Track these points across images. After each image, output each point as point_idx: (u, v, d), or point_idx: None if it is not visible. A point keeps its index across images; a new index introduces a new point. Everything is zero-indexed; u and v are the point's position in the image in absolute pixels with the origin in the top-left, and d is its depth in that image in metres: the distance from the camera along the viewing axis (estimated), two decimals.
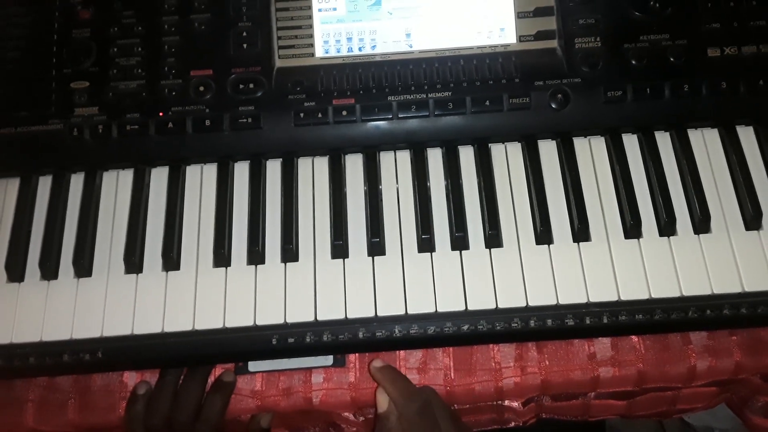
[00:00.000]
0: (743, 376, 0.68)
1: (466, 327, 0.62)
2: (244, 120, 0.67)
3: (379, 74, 0.68)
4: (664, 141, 0.68)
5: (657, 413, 0.73)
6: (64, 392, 0.67)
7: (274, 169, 0.69)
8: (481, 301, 0.62)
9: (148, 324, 0.62)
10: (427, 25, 0.69)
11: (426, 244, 0.64)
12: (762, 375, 0.68)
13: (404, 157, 0.69)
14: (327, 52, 0.69)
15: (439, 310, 0.62)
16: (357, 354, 0.67)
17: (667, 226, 0.64)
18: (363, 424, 0.70)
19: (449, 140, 0.68)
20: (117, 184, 0.69)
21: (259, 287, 0.63)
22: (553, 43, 0.69)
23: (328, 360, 0.67)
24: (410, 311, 0.62)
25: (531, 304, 0.62)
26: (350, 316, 0.62)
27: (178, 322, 0.62)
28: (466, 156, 0.69)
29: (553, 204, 0.66)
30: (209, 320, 0.62)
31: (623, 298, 0.62)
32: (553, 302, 0.62)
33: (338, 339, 0.62)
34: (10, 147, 0.67)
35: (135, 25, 0.69)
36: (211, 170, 0.69)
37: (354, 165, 0.69)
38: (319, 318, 0.62)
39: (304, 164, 0.69)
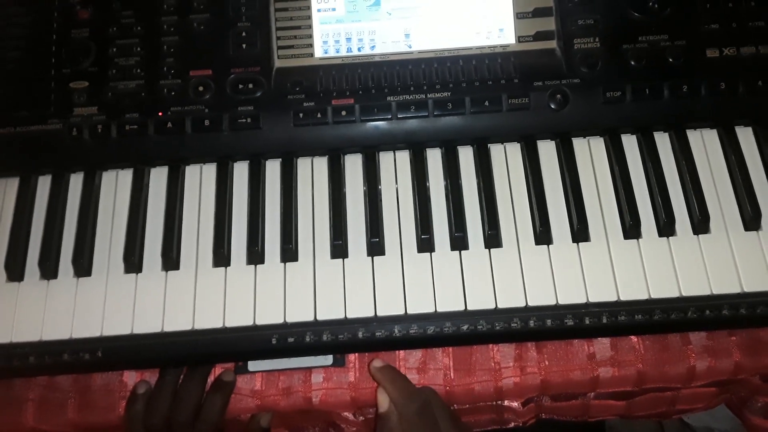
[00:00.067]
0: (742, 377, 0.68)
1: (465, 327, 0.62)
2: (244, 120, 0.67)
3: (378, 74, 0.68)
4: (663, 141, 0.69)
5: (656, 414, 0.73)
6: (64, 391, 0.67)
7: (273, 169, 0.69)
8: (480, 301, 0.62)
9: (147, 323, 0.62)
10: (426, 26, 0.69)
11: (425, 244, 0.64)
12: (761, 375, 0.69)
13: (403, 157, 0.69)
14: (326, 53, 0.69)
15: (439, 310, 0.62)
16: (356, 354, 0.68)
17: (666, 227, 0.64)
18: (363, 424, 0.70)
19: (448, 140, 0.69)
20: (116, 184, 0.69)
21: (259, 287, 0.63)
22: (552, 44, 0.69)
23: (328, 360, 0.67)
24: (410, 311, 0.62)
25: (530, 304, 0.62)
26: (350, 315, 0.62)
27: (178, 322, 0.62)
28: (466, 156, 0.69)
29: (552, 204, 0.66)
30: (209, 320, 0.62)
31: (622, 298, 0.62)
32: (553, 302, 0.62)
33: (338, 339, 0.62)
34: (10, 147, 0.67)
35: (134, 25, 0.69)
36: (210, 170, 0.69)
37: (353, 165, 0.69)
38: (318, 318, 0.62)
39: (303, 164, 0.69)
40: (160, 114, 0.67)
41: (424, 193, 0.67)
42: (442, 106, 0.67)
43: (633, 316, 0.62)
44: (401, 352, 0.68)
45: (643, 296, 0.62)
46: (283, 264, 0.64)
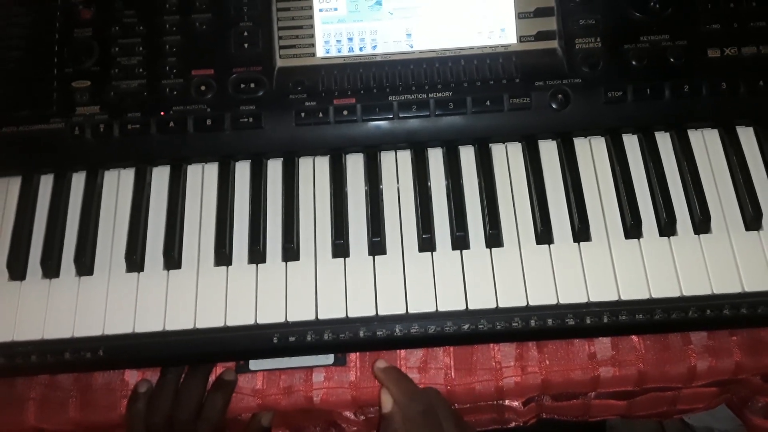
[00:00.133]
0: (743, 377, 0.68)
1: (466, 326, 0.62)
2: (245, 119, 0.67)
3: (379, 74, 0.68)
4: (664, 141, 0.69)
5: (657, 413, 0.73)
6: (66, 390, 0.67)
7: (275, 168, 0.69)
8: (481, 300, 0.62)
9: (149, 322, 0.63)
10: (427, 26, 0.69)
11: (427, 243, 0.65)
12: (762, 375, 0.68)
13: (405, 156, 0.69)
14: (328, 52, 0.69)
15: (440, 309, 0.62)
16: (358, 353, 0.68)
17: (667, 226, 0.64)
18: (363, 423, 0.71)
19: (450, 140, 0.69)
20: (118, 183, 0.69)
21: (260, 286, 0.64)
22: (554, 44, 0.69)
23: (329, 359, 0.67)
24: (411, 310, 0.62)
25: (531, 303, 0.62)
26: (351, 315, 0.62)
27: (180, 321, 0.63)
28: (467, 156, 0.69)
29: (553, 204, 0.66)
30: (210, 319, 0.63)
31: (623, 297, 0.62)
32: (554, 302, 0.62)
33: (339, 338, 0.62)
34: (12, 146, 0.67)
35: (136, 25, 0.70)
36: (212, 169, 0.69)
37: (355, 165, 0.69)
38: (320, 317, 0.62)
39: (305, 164, 0.69)
40: (162, 113, 0.68)
41: (425, 193, 0.67)
42: (443, 106, 0.67)
43: (634, 315, 0.62)
44: (402, 351, 0.68)
45: (644, 296, 0.62)
46: (284, 263, 0.65)
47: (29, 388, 0.67)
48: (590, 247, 0.64)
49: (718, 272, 0.62)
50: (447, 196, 0.67)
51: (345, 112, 0.67)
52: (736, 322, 0.63)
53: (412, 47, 0.69)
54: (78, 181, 0.69)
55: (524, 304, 0.62)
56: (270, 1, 0.70)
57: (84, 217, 0.67)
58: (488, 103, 0.67)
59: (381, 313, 0.62)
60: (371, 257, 0.65)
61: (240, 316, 0.63)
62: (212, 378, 0.67)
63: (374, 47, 0.69)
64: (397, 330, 0.62)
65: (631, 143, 0.68)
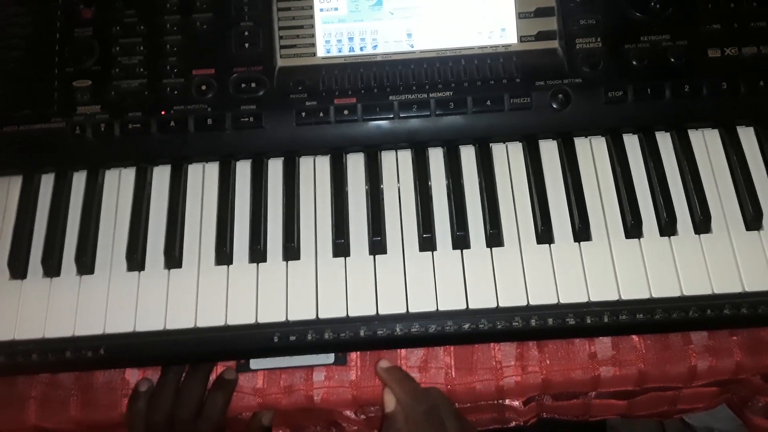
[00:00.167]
0: (744, 377, 0.68)
1: (467, 326, 0.62)
2: (246, 119, 0.67)
3: (380, 74, 0.68)
4: (664, 141, 0.69)
5: (658, 413, 0.73)
6: (66, 389, 0.67)
7: (275, 168, 0.69)
8: (482, 299, 0.62)
9: (150, 321, 0.63)
10: (428, 25, 0.70)
11: (427, 242, 0.65)
12: (762, 375, 0.68)
13: (405, 156, 0.69)
14: (329, 52, 0.69)
15: (441, 308, 0.62)
16: (358, 352, 0.68)
17: (667, 226, 0.64)
18: (364, 423, 0.71)
19: (450, 140, 0.69)
20: (119, 183, 0.69)
21: (261, 285, 0.64)
22: (554, 44, 0.69)
23: (330, 358, 0.67)
24: (411, 310, 0.62)
25: (532, 303, 0.62)
26: (352, 314, 0.62)
27: (180, 320, 0.63)
28: (468, 155, 0.69)
29: (554, 203, 0.66)
30: (211, 318, 0.63)
31: (624, 297, 0.62)
32: (554, 301, 0.62)
33: (339, 337, 0.62)
34: (13, 145, 0.67)
35: (137, 24, 0.70)
36: (213, 169, 0.69)
37: (355, 164, 0.69)
38: (320, 316, 0.62)
39: (305, 163, 0.69)
40: (162, 113, 0.68)
41: (426, 192, 0.67)
42: (444, 106, 0.67)
43: (634, 315, 0.62)
44: (403, 350, 0.68)
45: (645, 295, 0.62)
46: (285, 262, 0.65)
47: (30, 387, 0.67)
48: (591, 246, 0.64)
49: (719, 272, 0.63)
50: (447, 196, 0.67)
51: (346, 112, 0.67)
52: (737, 321, 0.63)
53: (412, 47, 0.69)
54: (79, 181, 0.69)
55: (525, 303, 0.62)
56: (271, 0, 0.70)
57: (85, 217, 0.67)
58: (489, 102, 0.67)
59: (381, 312, 0.62)
60: (372, 256, 0.65)
61: (241, 315, 0.63)
62: (213, 377, 0.67)
63: (375, 47, 0.70)
64: (398, 329, 0.62)
65: (632, 143, 0.69)
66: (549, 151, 0.69)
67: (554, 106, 0.67)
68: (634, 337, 0.67)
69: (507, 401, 0.69)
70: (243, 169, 0.69)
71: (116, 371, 0.67)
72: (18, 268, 0.65)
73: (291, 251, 0.65)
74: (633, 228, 0.64)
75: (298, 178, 0.68)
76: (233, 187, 0.68)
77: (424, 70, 0.68)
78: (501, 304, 0.62)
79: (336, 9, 0.70)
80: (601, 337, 0.67)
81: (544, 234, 0.64)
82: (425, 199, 0.66)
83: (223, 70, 0.68)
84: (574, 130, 0.69)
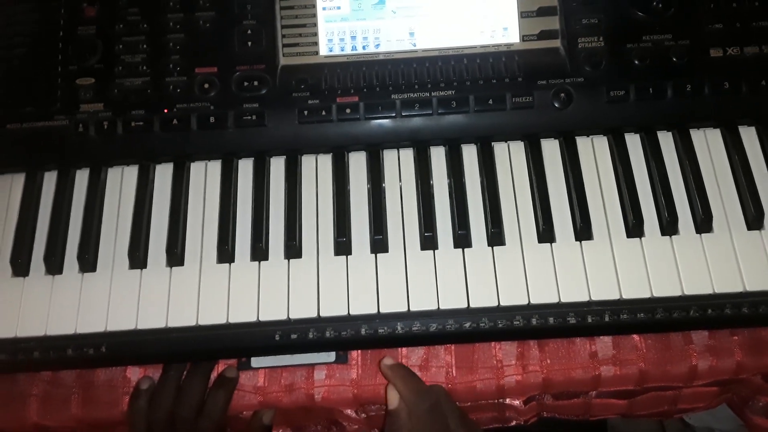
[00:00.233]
0: (744, 376, 0.68)
1: (468, 324, 0.62)
2: (249, 117, 0.68)
3: (382, 73, 0.69)
4: (666, 141, 0.69)
5: (658, 413, 0.73)
6: (68, 387, 0.67)
7: (277, 166, 0.69)
8: (483, 298, 0.62)
9: (151, 319, 0.63)
10: (430, 25, 0.70)
11: (429, 241, 0.65)
12: (763, 375, 0.68)
13: (407, 155, 0.69)
14: (331, 51, 0.70)
15: (442, 307, 0.62)
16: (359, 351, 0.68)
17: (669, 226, 0.64)
18: (365, 421, 0.71)
19: (452, 139, 0.69)
20: (122, 180, 0.69)
21: (263, 283, 0.64)
22: (556, 43, 0.69)
23: (331, 356, 0.67)
24: (412, 308, 0.62)
25: (533, 302, 0.62)
26: (353, 312, 0.62)
27: (182, 318, 0.63)
28: (469, 154, 0.69)
29: (555, 202, 0.66)
30: (213, 316, 0.63)
31: (625, 296, 0.62)
32: (555, 300, 0.62)
33: (341, 335, 0.62)
34: (16, 142, 0.68)
35: (140, 23, 0.70)
36: (215, 167, 0.69)
37: (357, 163, 0.69)
38: (321, 314, 0.62)
39: (307, 162, 0.69)
40: (165, 111, 0.68)
41: (427, 191, 0.67)
42: (446, 105, 0.67)
43: (635, 314, 0.62)
44: (404, 349, 0.68)
45: (646, 295, 0.62)
46: (287, 260, 0.65)
47: (31, 385, 0.67)
48: (592, 245, 0.64)
49: (720, 271, 0.63)
50: (449, 195, 0.67)
51: (348, 111, 0.67)
52: (738, 321, 0.63)
53: (415, 46, 0.70)
54: (81, 178, 0.69)
55: (526, 302, 0.62)
56: None
57: (87, 214, 0.67)
58: (491, 101, 0.67)
59: (383, 310, 0.62)
60: (373, 255, 0.65)
61: (242, 314, 0.63)
62: (214, 375, 0.67)
63: (377, 46, 0.70)
64: (399, 328, 0.62)
65: (634, 142, 0.69)
66: (551, 150, 0.69)
67: (556, 106, 0.67)
68: (634, 336, 0.67)
69: (507, 400, 0.69)
70: (245, 168, 0.69)
71: (117, 369, 0.68)
72: (20, 266, 0.65)
73: (293, 249, 0.65)
74: (634, 227, 0.64)
75: (300, 177, 0.68)
76: (235, 186, 0.68)
77: (426, 69, 0.68)
78: (502, 303, 0.62)
79: (339, 8, 0.70)
80: (601, 337, 0.67)
81: (546, 233, 0.64)
82: (427, 198, 0.67)
83: (225, 69, 0.69)
84: (575, 130, 0.69)
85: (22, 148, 0.68)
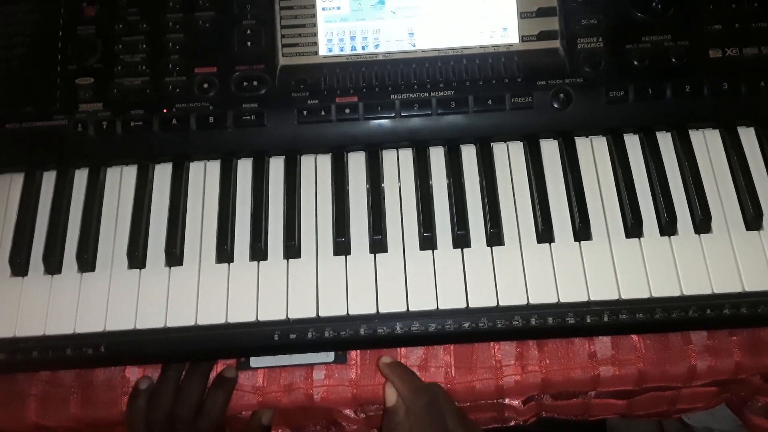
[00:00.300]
0: (743, 376, 0.68)
1: (467, 324, 0.62)
2: (248, 117, 0.68)
3: (382, 73, 0.69)
4: (665, 141, 0.69)
5: (657, 413, 0.73)
6: (67, 387, 0.67)
7: (277, 166, 0.69)
8: (482, 298, 0.62)
9: (150, 319, 0.63)
10: (430, 25, 0.70)
11: (428, 241, 0.65)
12: (762, 375, 0.69)
13: (407, 155, 0.69)
14: (330, 51, 0.70)
15: (441, 307, 0.62)
16: (358, 351, 0.68)
17: (668, 226, 0.64)
18: (364, 422, 0.71)
19: (451, 139, 0.69)
20: (121, 180, 0.69)
21: (262, 283, 0.64)
22: (556, 44, 0.69)
23: (330, 356, 0.67)
24: (411, 308, 0.62)
25: (532, 302, 0.62)
26: (352, 312, 0.62)
27: (181, 317, 0.63)
28: (469, 155, 0.69)
29: (554, 203, 0.66)
30: (212, 315, 0.63)
31: (624, 296, 0.62)
32: (554, 300, 0.62)
33: (340, 335, 0.62)
34: (15, 142, 0.68)
35: (140, 23, 0.70)
36: (214, 167, 0.69)
37: (357, 163, 0.69)
38: (320, 314, 0.62)
39: (307, 162, 0.69)
40: (164, 111, 0.68)
41: (426, 191, 0.67)
42: (445, 105, 0.67)
43: (634, 314, 0.62)
44: (403, 349, 0.68)
45: (645, 295, 0.62)
46: (286, 260, 0.65)
47: (30, 385, 0.67)
48: (591, 245, 0.64)
49: (719, 272, 0.63)
50: (448, 195, 0.67)
51: (347, 111, 0.67)
52: (736, 321, 0.63)
53: (414, 46, 0.70)
54: (80, 178, 0.69)
55: (525, 302, 0.62)
56: None
57: (86, 214, 0.67)
58: (490, 102, 0.67)
59: (382, 310, 0.62)
60: (372, 255, 0.65)
61: (241, 313, 0.63)
62: (213, 375, 0.67)
63: (377, 46, 0.70)
64: (398, 328, 0.62)
65: (633, 143, 0.69)
66: (550, 150, 0.69)
67: (555, 106, 0.68)
68: (633, 336, 0.67)
69: (507, 400, 0.69)
70: (244, 168, 0.69)
71: (116, 369, 0.68)
72: (19, 266, 0.65)
73: (292, 249, 0.65)
74: (633, 227, 0.64)
75: (300, 177, 0.68)
76: (234, 185, 0.68)
77: (425, 69, 0.69)
78: (501, 303, 0.62)
79: (338, 8, 0.70)
80: (600, 337, 0.67)
81: (545, 233, 0.64)
82: (426, 198, 0.67)
83: (225, 69, 0.69)
84: (575, 130, 0.69)
85: (22, 148, 0.68)
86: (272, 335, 0.62)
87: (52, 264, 0.65)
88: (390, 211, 0.67)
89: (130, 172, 0.69)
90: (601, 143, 0.69)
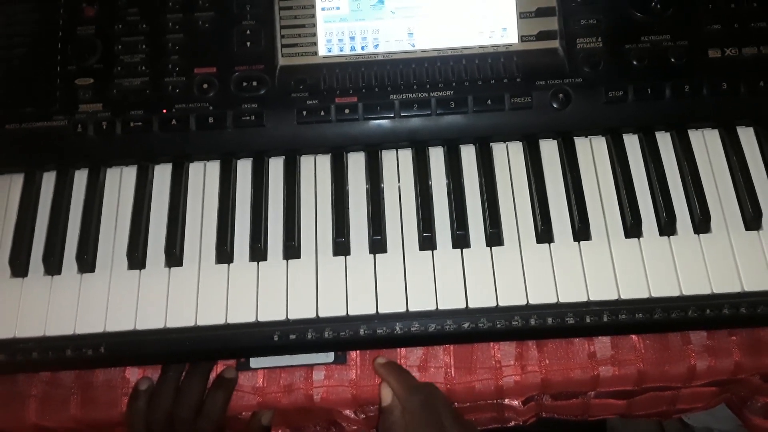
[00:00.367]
0: (743, 376, 0.68)
1: (466, 325, 0.62)
2: (247, 118, 0.68)
3: (381, 73, 0.69)
4: (664, 141, 0.69)
5: (657, 413, 0.73)
6: (67, 388, 0.67)
7: (276, 166, 0.69)
8: (481, 298, 0.62)
9: (150, 319, 0.63)
10: (429, 25, 0.70)
11: (427, 242, 0.65)
12: (761, 375, 0.69)
13: (406, 155, 0.69)
14: (330, 51, 0.70)
15: (440, 307, 0.62)
16: (358, 351, 0.68)
17: (667, 226, 0.64)
18: (364, 422, 0.71)
19: (451, 139, 0.69)
20: (120, 181, 0.69)
21: (262, 284, 0.64)
22: (555, 44, 0.69)
23: (330, 357, 0.67)
24: (411, 309, 0.62)
25: (531, 302, 0.62)
26: (351, 313, 0.62)
27: (181, 318, 0.63)
28: (468, 155, 0.69)
29: (553, 203, 0.66)
30: (211, 316, 0.63)
31: (623, 297, 0.62)
32: (554, 300, 0.62)
33: (339, 336, 0.62)
34: (15, 143, 0.68)
35: (139, 23, 0.70)
36: (214, 167, 0.69)
37: (356, 163, 0.69)
38: (320, 315, 0.62)
39: (306, 162, 0.69)
40: (164, 111, 0.68)
41: (426, 192, 0.67)
42: (444, 105, 0.67)
43: (634, 314, 0.62)
44: (402, 349, 0.68)
45: (644, 295, 0.62)
46: (285, 261, 0.65)
47: (30, 385, 0.67)
48: (590, 246, 0.64)
49: (718, 272, 0.63)
50: (448, 195, 0.67)
51: (347, 111, 0.68)
52: (736, 321, 0.63)
53: (413, 46, 0.70)
54: (80, 179, 0.69)
55: (524, 302, 0.62)
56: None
57: (86, 215, 0.67)
58: (489, 102, 0.68)
59: (381, 311, 0.62)
60: (372, 255, 0.65)
61: (241, 314, 0.63)
62: (213, 376, 0.67)
63: (376, 46, 0.70)
64: (398, 328, 0.62)
65: (632, 143, 0.69)
66: (549, 150, 0.69)
67: (555, 106, 0.68)
68: (633, 336, 0.67)
69: (506, 401, 0.69)
70: (244, 168, 0.69)
71: (116, 370, 0.68)
72: (19, 266, 0.65)
73: (291, 250, 0.65)
74: (632, 227, 0.64)
75: (299, 177, 0.68)
76: (234, 186, 0.68)
77: (425, 69, 0.69)
78: (500, 304, 0.62)
79: (338, 8, 0.70)
80: (600, 337, 0.67)
81: (544, 233, 0.64)
82: (425, 198, 0.67)
83: (224, 69, 0.69)
84: (574, 130, 0.69)
85: (21, 149, 0.68)
86: (272, 336, 0.62)
87: (52, 265, 0.65)
88: (389, 212, 0.67)
89: (130, 173, 0.69)
90: (600, 143, 0.69)
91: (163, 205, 0.67)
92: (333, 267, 0.64)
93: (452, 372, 0.67)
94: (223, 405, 0.65)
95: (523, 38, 0.69)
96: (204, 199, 0.68)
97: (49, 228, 0.66)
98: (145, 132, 0.67)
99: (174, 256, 0.65)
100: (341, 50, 0.70)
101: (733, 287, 0.62)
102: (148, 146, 0.68)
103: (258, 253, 0.65)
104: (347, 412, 0.70)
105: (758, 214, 0.64)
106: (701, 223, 0.64)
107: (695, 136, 0.69)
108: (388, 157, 0.69)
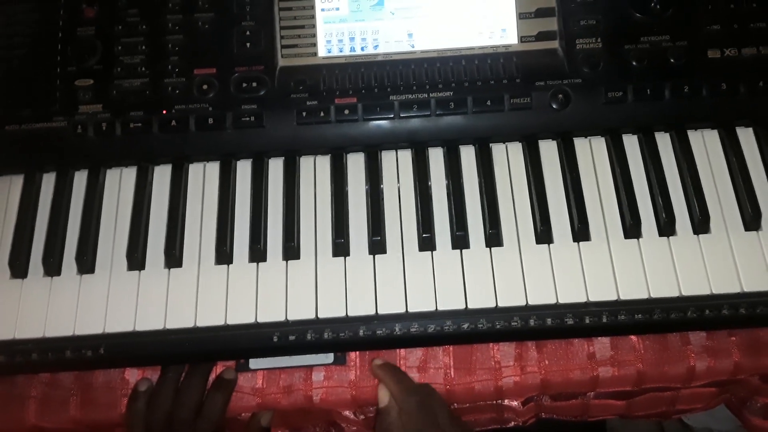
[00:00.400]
0: (742, 377, 0.68)
1: (466, 325, 0.62)
2: (247, 118, 0.68)
3: (381, 74, 0.69)
4: (664, 142, 0.69)
5: (656, 414, 0.73)
6: (66, 389, 0.67)
7: (276, 167, 0.69)
8: (481, 299, 0.62)
9: (150, 321, 0.63)
10: (429, 26, 0.70)
11: (427, 242, 0.65)
12: (761, 376, 0.69)
13: (406, 156, 0.69)
14: (330, 52, 0.70)
15: (440, 308, 0.62)
16: (357, 352, 0.68)
17: (666, 226, 0.64)
18: (363, 423, 0.71)
19: (450, 140, 0.69)
20: (120, 182, 0.69)
21: (261, 285, 0.64)
22: (555, 44, 0.69)
23: (329, 358, 0.67)
24: (411, 309, 0.62)
25: (531, 303, 0.62)
26: (351, 313, 0.62)
27: (180, 319, 0.63)
28: (467, 155, 0.69)
29: (553, 203, 0.66)
30: (211, 317, 0.63)
31: (622, 297, 0.62)
32: (553, 301, 0.62)
33: (339, 337, 0.62)
34: (15, 144, 0.68)
35: (139, 24, 0.70)
36: (213, 168, 0.69)
37: (356, 164, 0.69)
38: (320, 316, 0.62)
39: (306, 163, 0.69)
40: (164, 112, 0.68)
41: (425, 192, 0.67)
42: (444, 106, 0.68)
43: (633, 315, 0.62)
44: (402, 350, 0.68)
45: (643, 295, 0.62)
46: (285, 262, 0.65)
47: (30, 387, 0.67)
48: (590, 246, 0.64)
49: (717, 272, 0.63)
50: (447, 196, 0.67)
51: (346, 112, 0.68)
52: (735, 322, 0.63)
53: (413, 47, 0.70)
54: (80, 180, 0.69)
55: (523, 303, 0.62)
56: (272, 0, 0.70)
57: (86, 216, 0.67)
58: (489, 102, 0.68)
59: (381, 312, 0.62)
60: (371, 256, 0.65)
61: (240, 315, 0.63)
62: (212, 377, 0.67)
63: (376, 47, 0.70)
64: (397, 329, 0.62)
65: (631, 143, 0.69)
66: (549, 151, 0.69)
67: (554, 107, 0.68)
68: (632, 337, 0.67)
69: (506, 401, 0.69)
70: (243, 169, 0.69)
71: (116, 371, 0.68)
72: (19, 267, 0.65)
73: (291, 251, 0.65)
74: (632, 228, 0.64)
75: (299, 178, 0.69)
76: (234, 187, 0.68)
77: (424, 70, 0.69)
78: (500, 304, 0.62)
79: (337, 9, 0.70)
80: (599, 338, 0.67)
81: (543, 234, 0.64)
82: (425, 199, 0.67)
83: (224, 70, 0.69)
84: (573, 131, 0.69)
85: (21, 150, 0.68)
86: (271, 337, 0.62)
87: (52, 266, 0.65)
88: (389, 212, 0.67)
89: (130, 174, 0.69)
90: (599, 144, 0.69)
91: (163, 206, 0.67)
92: (332, 268, 0.64)
93: (452, 373, 0.67)
94: (223, 406, 0.65)
95: (522, 39, 0.69)
96: (204, 200, 0.68)
97: (48, 229, 0.66)
98: (145, 133, 0.68)
99: (173, 257, 0.65)
100: (341, 51, 0.70)
101: (732, 288, 0.62)
102: (148, 147, 0.68)
103: (257, 254, 0.65)
104: (347, 413, 0.70)
105: (757, 214, 0.64)
106: (700, 223, 0.64)
107: (695, 137, 0.69)
108: (387, 157, 0.69)
